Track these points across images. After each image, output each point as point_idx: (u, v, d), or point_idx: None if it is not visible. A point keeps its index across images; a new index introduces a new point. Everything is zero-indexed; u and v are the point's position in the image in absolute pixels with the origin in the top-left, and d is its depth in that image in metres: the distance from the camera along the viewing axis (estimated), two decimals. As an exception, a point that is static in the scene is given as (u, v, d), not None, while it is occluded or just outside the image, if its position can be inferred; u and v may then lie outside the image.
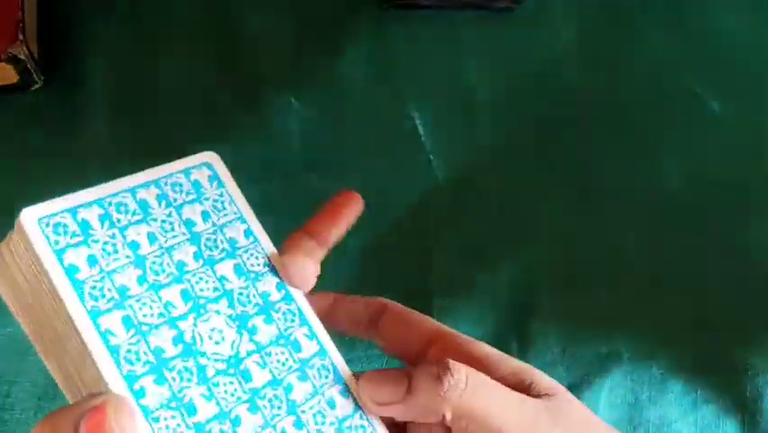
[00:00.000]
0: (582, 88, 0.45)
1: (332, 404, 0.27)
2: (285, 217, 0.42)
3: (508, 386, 0.27)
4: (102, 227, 0.26)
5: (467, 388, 0.26)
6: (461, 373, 0.26)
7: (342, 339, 0.31)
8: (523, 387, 0.28)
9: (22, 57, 0.43)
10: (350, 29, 0.48)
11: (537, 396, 0.27)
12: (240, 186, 0.43)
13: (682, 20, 0.47)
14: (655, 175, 0.43)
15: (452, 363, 0.26)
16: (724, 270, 0.40)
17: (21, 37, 0.43)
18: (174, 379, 0.25)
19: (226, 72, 0.46)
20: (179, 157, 0.42)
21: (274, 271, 0.29)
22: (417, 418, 0.27)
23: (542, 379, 0.28)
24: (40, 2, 0.47)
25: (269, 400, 0.26)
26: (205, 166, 0.29)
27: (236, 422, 0.25)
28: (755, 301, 0.39)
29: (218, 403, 0.25)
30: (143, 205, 0.27)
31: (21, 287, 0.26)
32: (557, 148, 0.44)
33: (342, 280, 0.41)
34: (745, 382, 0.37)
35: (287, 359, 0.27)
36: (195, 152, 0.42)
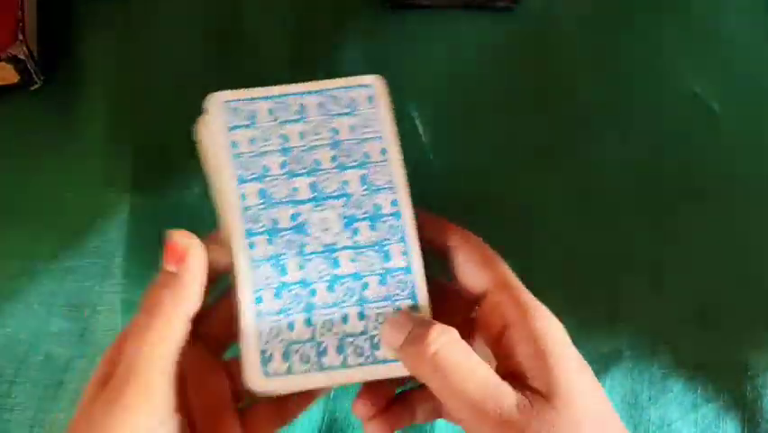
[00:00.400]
0: (582, 88, 0.45)
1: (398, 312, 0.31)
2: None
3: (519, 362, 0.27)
4: (266, 118, 0.32)
5: (436, 356, 0.27)
6: (436, 343, 0.27)
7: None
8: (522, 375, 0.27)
9: (22, 57, 0.43)
10: (350, 29, 0.48)
11: (525, 390, 0.26)
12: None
13: (683, 20, 0.47)
14: (655, 175, 0.43)
15: (436, 328, 0.27)
16: (724, 269, 0.40)
17: (21, 37, 0.43)
18: (279, 245, 0.31)
19: (226, 72, 0.46)
20: (179, 157, 0.43)
21: (393, 189, 0.32)
22: (410, 369, 0.28)
23: (550, 375, 0.26)
24: (40, 2, 0.47)
25: (347, 288, 0.31)
26: (367, 87, 0.33)
27: (313, 293, 0.31)
28: (755, 301, 0.39)
29: (305, 274, 0.31)
30: (303, 108, 0.33)
31: (207, 153, 0.33)
32: (557, 148, 0.44)
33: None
34: (745, 382, 0.37)
35: (374, 262, 0.31)
36: (194, 152, 0.42)
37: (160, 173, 0.44)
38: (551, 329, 0.28)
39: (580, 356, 0.28)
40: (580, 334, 0.29)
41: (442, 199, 0.43)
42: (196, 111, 0.46)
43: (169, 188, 0.43)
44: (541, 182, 0.43)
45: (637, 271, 0.41)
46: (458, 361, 0.27)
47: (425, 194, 0.43)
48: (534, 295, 0.30)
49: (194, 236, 0.30)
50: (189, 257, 0.29)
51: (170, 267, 0.29)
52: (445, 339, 0.27)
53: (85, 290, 0.42)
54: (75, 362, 0.40)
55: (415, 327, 0.28)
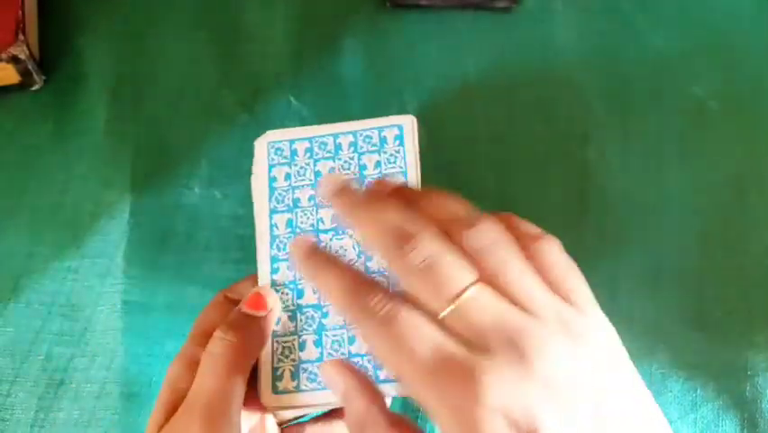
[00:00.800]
0: (582, 88, 0.45)
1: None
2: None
3: None
4: (303, 157, 0.35)
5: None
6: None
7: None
8: None
9: (23, 57, 0.43)
10: (350, 28, 0.48)
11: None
12: (239, 184, 0.43)
13: (683, 20, 0.47)
14: (655, 174, 0.43)
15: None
16: (724, 269, 0.40)
17: (21, 37, 0.43)
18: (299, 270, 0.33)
19: (226, 72, 0.47)
20: (179, 157, 0.43)
21: None
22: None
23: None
24: (40, 2, 0.47)
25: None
26: (397, 127, 0.36)
27: (325, 316, 0.33)
28: (755, 301, 0.39)
29: (319, 297, 0.33)
30: (338, 147, 0.35)
31: (254, 192, 0.36)
32: (557, 148, 0.44)
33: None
34: (744, 382, 0.37)
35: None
36: (194, 152, 0.43)
37: (160, 173, 0.44)
38: None
39: None
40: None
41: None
42: (197, 110, 0.46)
43: (169, 188, 0.43)
44: (540, 181, 0.43)
45: (637, 270, 0.41)
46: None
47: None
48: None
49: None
50: (272, 312, 0.32)
51: (250, 311, 0.32)
52: None
53: (85, 290, 0.42)
54: (75, 362, 0.40)
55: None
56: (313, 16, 0.48)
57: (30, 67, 0.44)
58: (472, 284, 0.25)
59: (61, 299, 0.41)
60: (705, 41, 0.46)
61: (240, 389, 0.30)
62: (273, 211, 0.35)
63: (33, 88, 0.46)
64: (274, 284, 0.33)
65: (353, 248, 0.34)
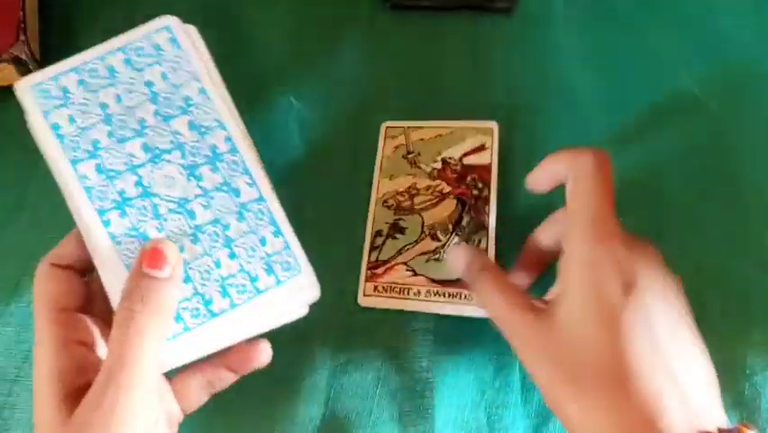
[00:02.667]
0: (582, 88, 0.45)
1: (263, 242, 0.32)
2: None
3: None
4: (78, 91, 0.31)
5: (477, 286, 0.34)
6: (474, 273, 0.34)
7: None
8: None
9: (24, 57, 0.43)
10: (350, 29, 0.48)
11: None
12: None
13: (682, 20, 0.47)
14: (654, 175, 0.43)
15: (476, 258, 0.35)
16: (723, 269, 0.40)
17: (22, 37, 0.43)
18: (133, 214, 0.31)
19: (226, 72, 0.46)
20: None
21: (223, 125, 0.33)
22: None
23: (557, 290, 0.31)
24: (40, 2, 0.47)
25: (209, 235, 0.31)
26: (165, 29, 0.33)
27: (181, 249, 0.31)
28: (754, 301, 0.39)
29: (167, 234, 0.31)
30: (111, 70, 0.32)
31: (39, 146, 0.32)
32: (556, 148, 0.44)
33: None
34: (743, 382, 0.37)
35: (227, 202, 0.32)
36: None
37: (161, 173, 0.44)
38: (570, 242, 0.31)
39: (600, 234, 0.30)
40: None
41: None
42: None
43: (170, 187, 0.43)
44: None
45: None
46: (491, 289, 0.33)
47: (425, 194, 0.43)
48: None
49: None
50: (170, 261, 0.30)
51: (153, 272, 0.29)
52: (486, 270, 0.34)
53: (85, 289, 0.42)
54: (75, 361, 0.40)
55: (476, 256, 0.35)
56: (313, 16, 0.49)
57: (31, 67, 0.44)
58: None
59: (62, 299, 0.41)
60: (705, 41, 0.46)
61: (156, 354, 0.29)
62: (74, 161, 0.31)
63: (34, 88, 0.46)
64: (113, 237, 0.30)
65: (180, 174, 0.31)
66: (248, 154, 0.32)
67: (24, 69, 0.44)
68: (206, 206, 0.31)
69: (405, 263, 0.41)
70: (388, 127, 0.44)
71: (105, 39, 0.47)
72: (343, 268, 0.41)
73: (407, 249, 0.41)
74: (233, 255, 0.31)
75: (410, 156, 0.43)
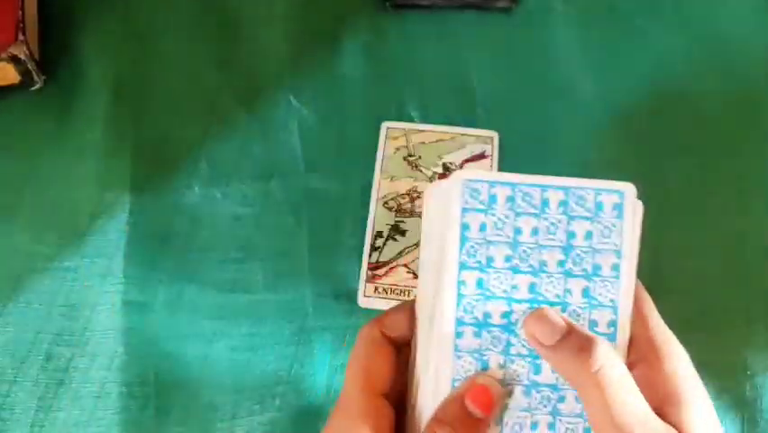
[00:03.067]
0: (582, 88, 0.45)
1: (587, 432, 0.30)
2: (285, 217, 0.43)
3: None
4: (503, 206, 0.31)
5: (598, 375, 0.27)
6: (599, 361, 0.27)
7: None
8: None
9: (23, 57, 0.43)
10: (350, 28, 0.48)
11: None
12: (240, 184, 0.43)
13: (683, 20, 0.47)
14: (654, 175, 0.43)
15: (601, 347, 0.27)
16: (723, 269, 0.40)
17: (21, 37, 0.43)
18: (486, 339, 0.30)
19: (226, 72, 0.47)
20: (179, 157, 0.42)
21: (615, 309, 0.30)
22: (560, 371, 0.29)
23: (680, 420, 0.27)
24: (40, 2, 0.47)
25: (542, 396, 0.30)
26: (617, 194, 0.31)
27: (562, 399, 0.30)
28: (755, 301, 0.39)
29: (505, 373, 0.30)
30: (545, 203, 0.31)
31: (431, 222, 0.31)
32: (556, 148, 0.44)
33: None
34: (744, 382, 0.37)
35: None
36: (194, 152, 0.42)
37: (160, 173, 0.44)
38: (680, 369, 0.28)
39: (706, 394, 0.28)
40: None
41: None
42: (197, 111, 0.46)
43: (169, 187, 0.43)
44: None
45: (637, 270, 0.41)
46: (619, 382, 0.27)
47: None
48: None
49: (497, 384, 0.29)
50: (496, 408, 0.29)
51: (476, 411, 0.29)
52: (610, 359, 0.27)
53: (85, 290, 0.42)
54: (75, 362, 0.40)
55: (575, 335, 0.28)
56: (313, 16, 0.49)
57: (30, 67, 0.44)
58: None
59: (61, 299, 0.41)
60: (705, 41, 0.46)
61: None
62: (463, 266, 0.30)
63: (33, 88, 0.45)
64: (457, 349, 0.30)
65: None
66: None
67: (23, 69, 0.44)
68: (554, 370, 0.30)
69: (405, 265, 0.41)
70: (389, 128, 0.44)
71: (105, 39, 0.48)
72: (344, 268, 0.41)
73: (408, 252, 0.41)
74: (552, 426, 0.30)
75: (411, 159, 0.43)
